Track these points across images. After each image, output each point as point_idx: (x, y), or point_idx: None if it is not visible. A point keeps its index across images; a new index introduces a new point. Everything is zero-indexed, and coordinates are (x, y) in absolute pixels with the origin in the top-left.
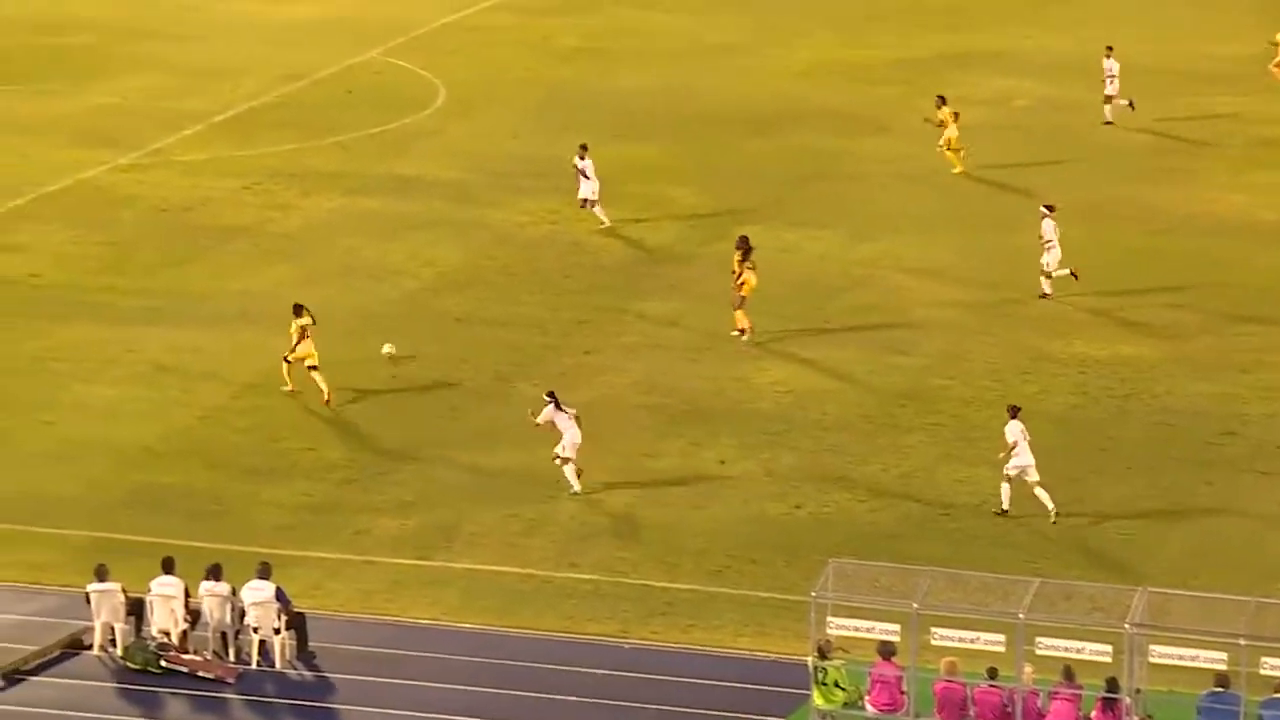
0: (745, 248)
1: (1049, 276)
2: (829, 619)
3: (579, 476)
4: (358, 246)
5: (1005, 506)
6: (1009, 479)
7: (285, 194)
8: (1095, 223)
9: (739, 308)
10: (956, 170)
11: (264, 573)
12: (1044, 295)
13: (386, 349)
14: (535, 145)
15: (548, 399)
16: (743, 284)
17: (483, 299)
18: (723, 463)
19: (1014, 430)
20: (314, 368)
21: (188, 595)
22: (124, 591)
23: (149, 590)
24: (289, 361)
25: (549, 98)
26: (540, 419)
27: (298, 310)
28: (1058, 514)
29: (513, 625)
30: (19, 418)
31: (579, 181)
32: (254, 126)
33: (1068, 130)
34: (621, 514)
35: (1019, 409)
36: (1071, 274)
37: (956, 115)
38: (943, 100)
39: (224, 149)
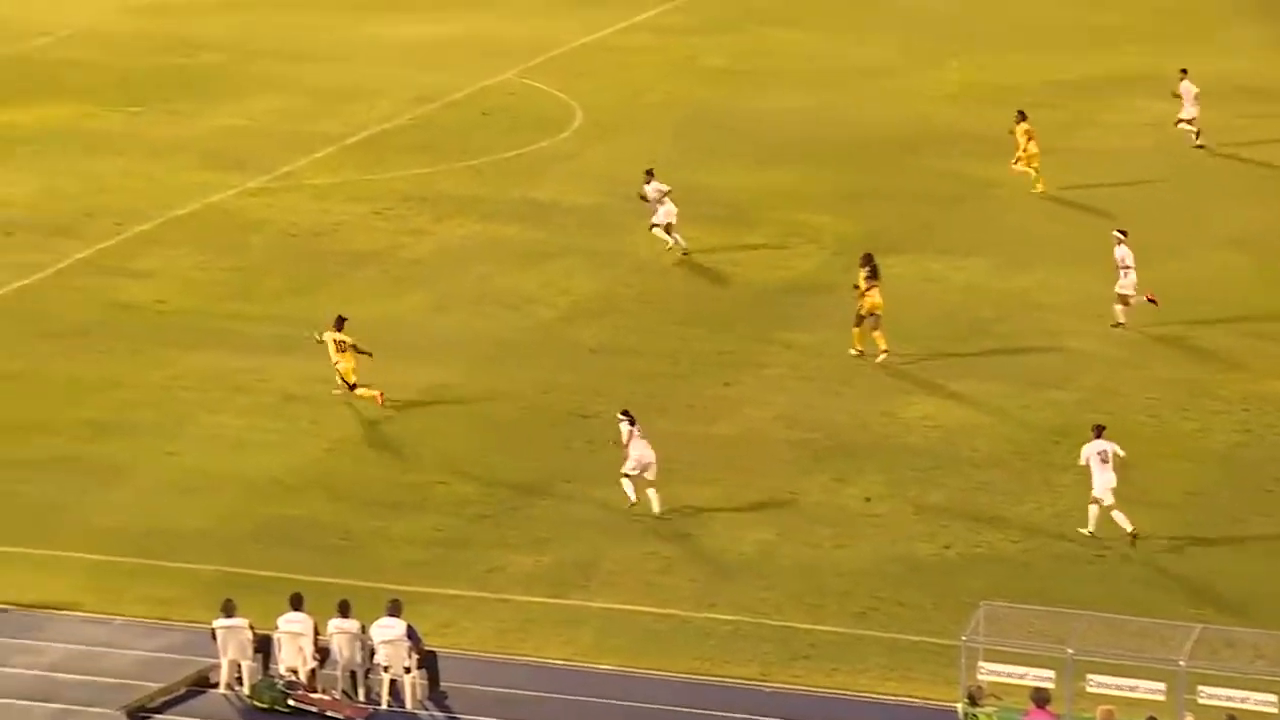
0: (870, 265)
1: (1126, 304)
2: (980, 664)
3: (658, 498)
4: (491, 273)
5: (1090, 529)
6: (1096, 501)
7: (417, 219)
8: (1259, 254)
9: (861, 326)
10: (1038, 189)
11: (394, 610)
12: (1117, 324)
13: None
14: (674, 170)
15: (622, 417)
16: (868, 302)
17: (618, 328)
18: (868, 500)
19: (1088, 451)
20: (353, 386)
21: (316, 632)
22: (251, 628)
23: (277, 627)
24: (352, 386)
25: (689, 120)
26: (625, 441)
27: (339, 324)
28: (1135, 535)
29: (648, 667)
30: (145, 449)
31: (653, 208)
32: (386, 149)
33: (1223, 156)
34: (763, 552)
35: (1102, 428)
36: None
37: (1030, 134)
38: (1022, 116)
39: (355, 172)
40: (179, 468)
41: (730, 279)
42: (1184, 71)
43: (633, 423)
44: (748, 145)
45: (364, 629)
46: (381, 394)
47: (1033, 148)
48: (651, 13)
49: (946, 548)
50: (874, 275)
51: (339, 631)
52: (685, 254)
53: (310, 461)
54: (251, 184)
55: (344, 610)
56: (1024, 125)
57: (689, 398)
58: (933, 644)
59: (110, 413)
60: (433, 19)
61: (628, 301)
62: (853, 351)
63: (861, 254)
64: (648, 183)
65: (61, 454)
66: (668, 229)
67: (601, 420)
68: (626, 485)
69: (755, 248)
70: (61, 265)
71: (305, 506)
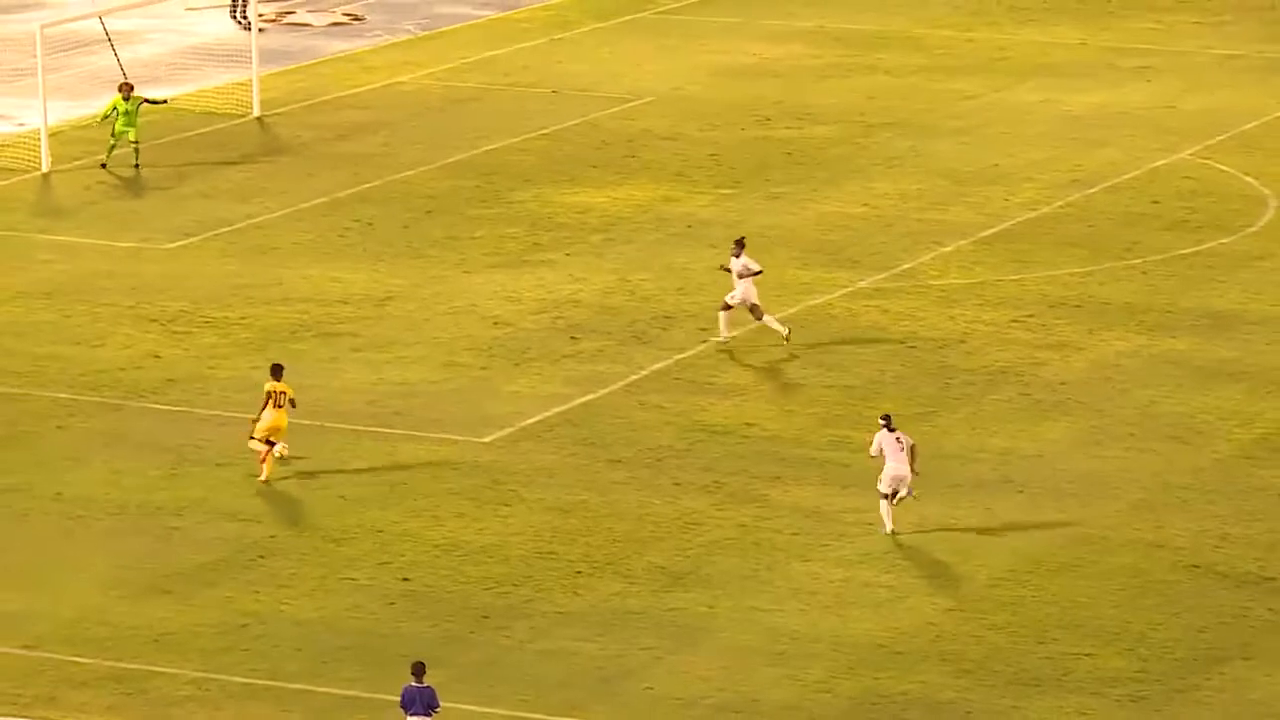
0: None
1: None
2: None
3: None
4: (1157, 399)
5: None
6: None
7: (1066, 330)
8: None
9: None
10: None
11: None
12: None
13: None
14: None
15: (882, 422)
16: None
17: None
18: None
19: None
20: (271, 443)
21: None
22: None
23: None
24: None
25: None
26: (873, 450)
27: (277, 372)
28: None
29: None
30: (726, 602)
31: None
32: (1030, 244)
33: None
34: None
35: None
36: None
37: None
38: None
39: (991, 272)
40: (764, 626)
41: None
42: None
43: (889, 428)
44: None
45: None
46: (268, 453)
47: None
48: None
49: None
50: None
51: None
52: None
53: (923, 624)
54: (864, 283)
55: None
56: None
57: None
58: None
59: (686, 557)
60: (1092, 86)
61: None
62: None
63: None
64: (736, 255)
65: (629, 607)
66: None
67: None
68: (884, 509)
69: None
70: (634, 377)
71: (916, 679)
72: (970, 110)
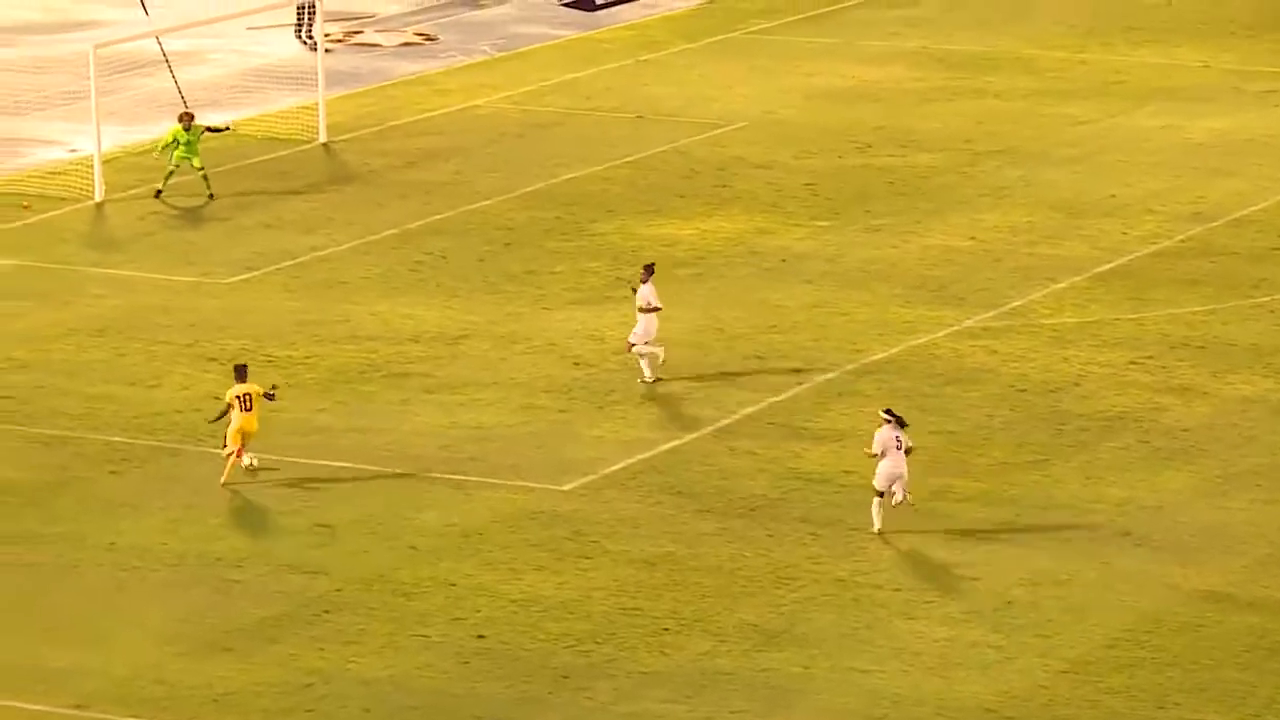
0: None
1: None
2: None
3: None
4: None
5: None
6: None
7: (1188, 373)
8: None
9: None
10: None
11: None
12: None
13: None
14: None
15: (885, 417)
16: None
17: None
18: None
19: (881, 436)
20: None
21: None
22: None
23: None
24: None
25: None
26: (875, 447)
27: (241, 374)
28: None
29: None
30: (822, 662)
31: None
32: (1150, 281)
33: None
34: None
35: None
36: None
37: None
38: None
39: (1107, 310)
40: (863, 689)
41: None
42: None
43: (898, 423)
44: None
45: None
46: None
47: None
48: None
49: None
50: None
51: None
52: None
53: (1034, 687)
54: (970, 322)
55: None
56: None
57: None
58: None
59: (780, 614)
60: (1216, 111)
61: None
62: None
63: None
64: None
65: (719, 667)
66: None
67: None
68: (875, 508)
69: None
70: (724, 421)
71: None
72: (1084, 137)
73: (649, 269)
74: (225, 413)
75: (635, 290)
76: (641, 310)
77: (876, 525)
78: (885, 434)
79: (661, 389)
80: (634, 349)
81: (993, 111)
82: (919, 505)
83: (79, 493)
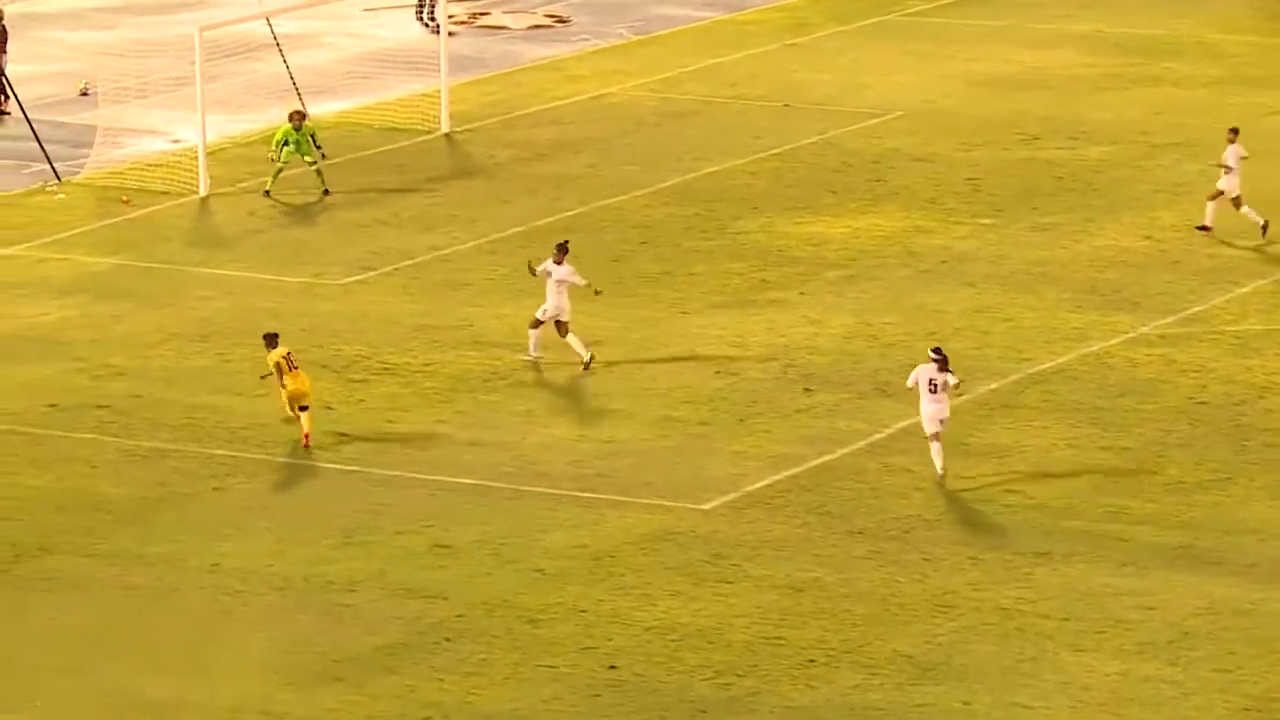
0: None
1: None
2: None
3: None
4: None
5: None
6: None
7: None
8: None
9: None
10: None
11: None
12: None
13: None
14: None
15: (933, 356)
16: None
17: None
18: None
19: (917, 372)
20: (304, 407)
21: None
22: None
23: None
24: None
25: None
26: (909, 381)
27: (272, 340)
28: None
29: None
30: (986, 694)
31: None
32: None
33: None
34: None
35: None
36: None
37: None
38: (1234, 134)
39: None
40: None
41: None
42: (1233, 133)
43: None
44: None
45: None
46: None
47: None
48: None
49: None
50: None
51: None
52: None
53: None
54: (1146, 328)
55: None
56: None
57: None
58: None
59: (935, 646)
60: None
61: None
62: None
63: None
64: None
65: (870, 701)
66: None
67: None
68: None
69: None
70: (878, 436)
71: None
72: (1273, 128)
73: (562, 248)
74: (273, 373)
75: (536, 271)
76: (560, 281)
77: (938, 469)
78: (921, 371)
79: (808, 400)
80: (569, 338)
81: (1172, 101)
82: (1092, 528)
83: (180, 510)
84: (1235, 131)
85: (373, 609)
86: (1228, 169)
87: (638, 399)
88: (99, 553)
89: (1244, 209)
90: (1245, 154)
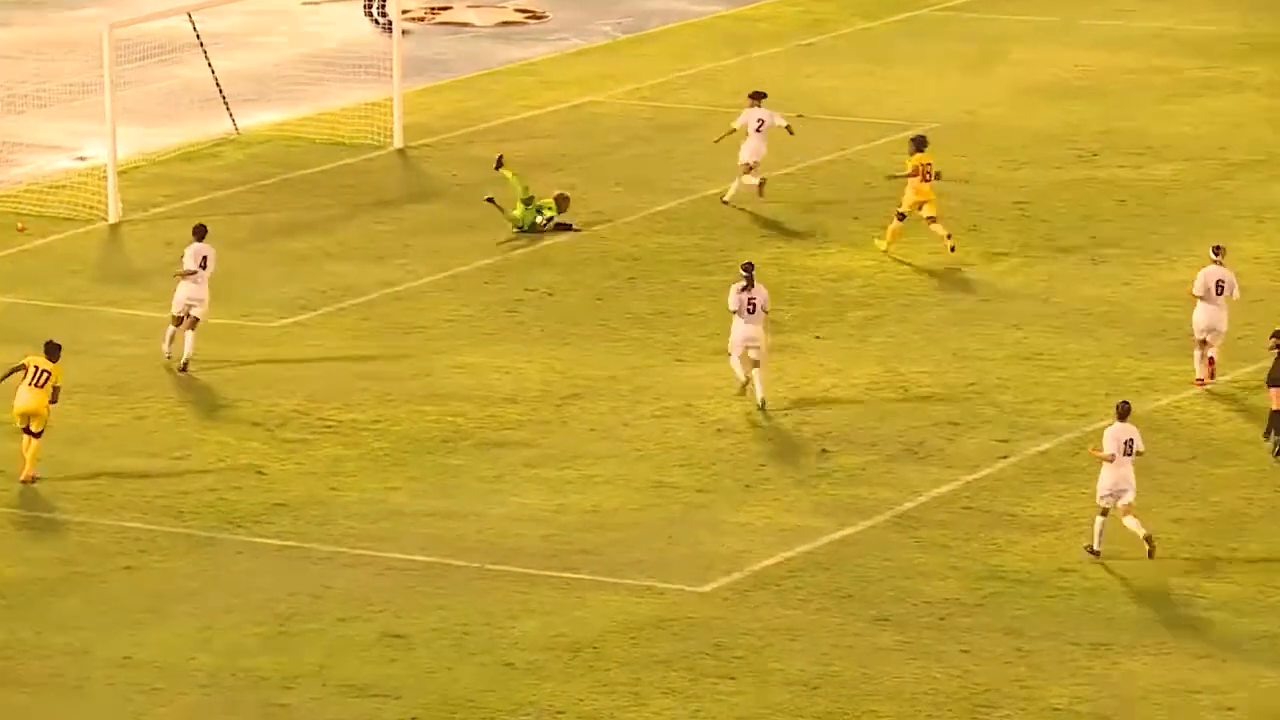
0: None
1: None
2: None
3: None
4: None
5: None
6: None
7: None
8: None
9: None
10: (881, 246)
11: None
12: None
13: None
14: None
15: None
16: None
17: None
18: None
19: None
20: (30, 431)
21: None
22: None
23: None
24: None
25: None
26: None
27: (53, 351)
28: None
29: None
30: None
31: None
32: None
33: None
34: None
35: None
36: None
37: (927, 172)
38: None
39: None
40: None
41: None
42: (757, 98)
43: None
44: None
45: None
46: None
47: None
48: None
49: None
50: None
51: None
52: None
53: None
54: (1223, 379)
55: None
56: (918, 158)
57: None
58: None
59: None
60: None
61: None
62: None
63: None
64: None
65: None
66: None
67: None
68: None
69: None
70: (907, 505)
71: None
72: None
73: (200, 231)
74: (8, 375)
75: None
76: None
77: (1097, 545)
78: (1117, 433)
79: (825, 464)
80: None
81: (1254, 111)
82: (1160, 614)
83: (86, 594)
84: None
85: (312, 710)
86: None
87: (625, 461)
88: None
89: None
90: None
